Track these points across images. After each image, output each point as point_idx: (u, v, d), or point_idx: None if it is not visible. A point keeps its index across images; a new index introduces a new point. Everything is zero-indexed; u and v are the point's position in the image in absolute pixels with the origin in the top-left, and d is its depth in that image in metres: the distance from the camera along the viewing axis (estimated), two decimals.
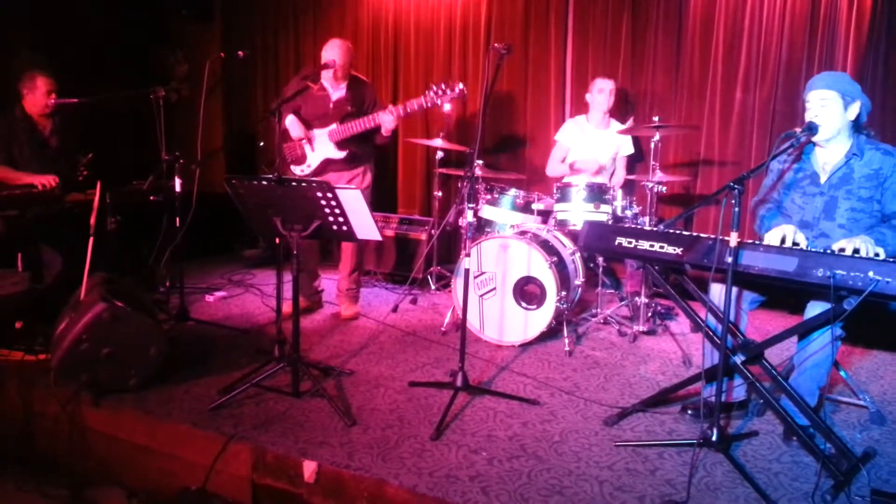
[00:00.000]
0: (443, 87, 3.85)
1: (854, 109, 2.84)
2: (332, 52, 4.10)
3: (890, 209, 2.81)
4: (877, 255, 2.51)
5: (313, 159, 4.23)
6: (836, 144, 2.90)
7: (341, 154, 4.18)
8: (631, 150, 4.88)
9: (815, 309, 2.74)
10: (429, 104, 3.92)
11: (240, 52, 4.40)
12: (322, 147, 4.19)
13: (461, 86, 3.83)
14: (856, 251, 2.52)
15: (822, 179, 2.93)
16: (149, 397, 3.15)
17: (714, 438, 2.62)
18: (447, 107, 4.04)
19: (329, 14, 6.26)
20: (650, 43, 5.12)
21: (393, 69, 6.05)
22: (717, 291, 2.93)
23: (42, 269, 4.20)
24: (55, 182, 4.20)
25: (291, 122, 4.18)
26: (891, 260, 2.36)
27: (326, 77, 4.17)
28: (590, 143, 4.82)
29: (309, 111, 4.23)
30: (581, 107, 5.04)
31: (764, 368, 2.79)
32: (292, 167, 4.28)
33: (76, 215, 4.08)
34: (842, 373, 3.21)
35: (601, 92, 4.73)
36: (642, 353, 3.96)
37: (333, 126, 4.15)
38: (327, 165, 4.23)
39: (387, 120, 4.02)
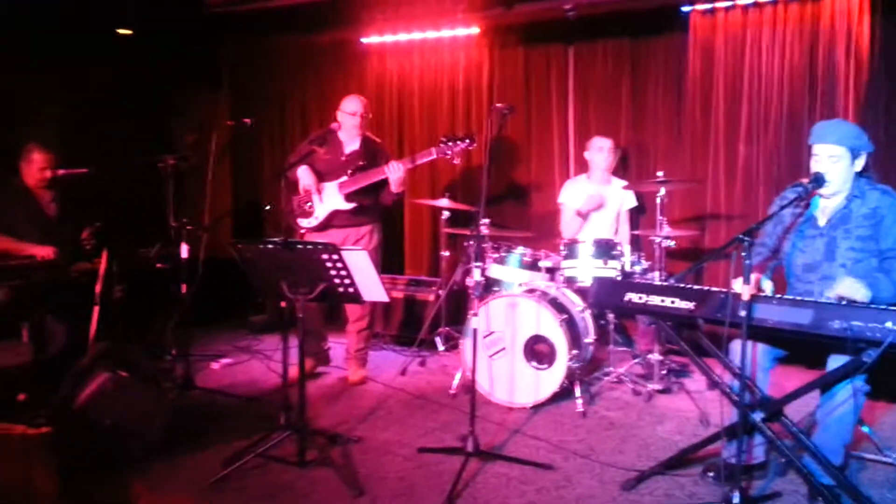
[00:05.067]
0: (450, 143, 3.99)
1: (861, 162, 2.85)
2: (354, 104, 4.28)
3: (884, 245, 2.81)
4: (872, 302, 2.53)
5: (321, 211, 4.25)
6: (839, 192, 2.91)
7: (349, 206, 4.20)
8: (634, 202, 4.87)
9: (835, 362, 2.67)
10: (438, 156, 4.07)
11: (246, 120, 4.44)
12: (330, 199, 4.22)
13: (470, 140, 3.97)
14: (842, 299, 2.54)
15: (822, 222, 2.94)
16: (152, 469, 3.08)
17: (735, 501, 2.52)
18: (457, 161, 4.12)
19: (334, 79, 6.36)
20: (651, 99, 5.18)
21: (398, 132, 6.13)
22: (737, 349, 2.85)
23: (47, 339, 4.18)
24: (53, 254, 4.17)
25: (303, 172, 4.22)
26: None
27: (344, 130, 4.25)
28: None
29: (321, 166, 4.28)
30: (584, 163, 5.05)
31: (784, 426, 2.71)
32: (299, 220, 4.29)
33: (82, 284, 4.07)
34: (864, 428, 3.11)
35: (600, 150, 4.75)
36: (658, 412, 3.86)
37: (344, 178, 4.19)
38: (333, 218, 4.25)
39: (395, 171, 4.07)
